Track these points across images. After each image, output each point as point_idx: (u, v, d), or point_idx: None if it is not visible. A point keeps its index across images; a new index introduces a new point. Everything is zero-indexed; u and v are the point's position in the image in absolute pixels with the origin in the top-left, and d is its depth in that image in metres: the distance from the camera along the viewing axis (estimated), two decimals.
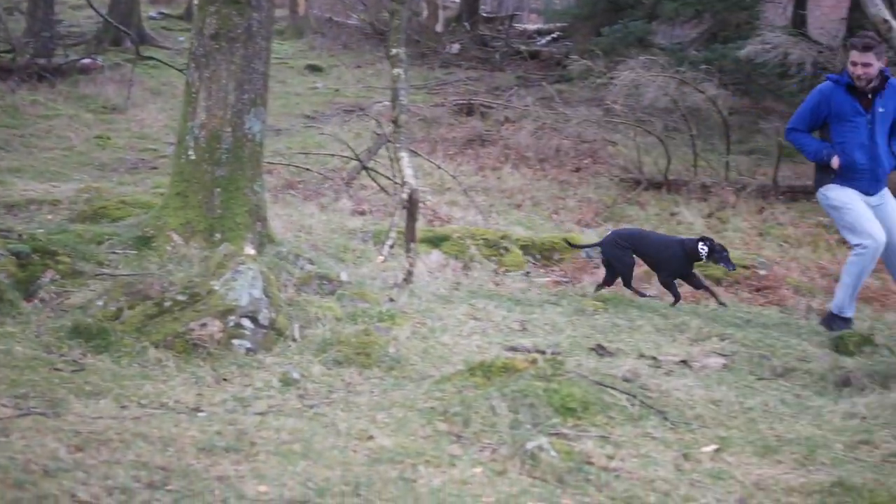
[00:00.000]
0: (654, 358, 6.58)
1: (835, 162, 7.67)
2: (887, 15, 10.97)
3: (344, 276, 7.52)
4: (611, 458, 4.91)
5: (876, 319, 8.72)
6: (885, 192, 7.82)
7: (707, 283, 8.89)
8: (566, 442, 4.96)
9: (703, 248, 8.37)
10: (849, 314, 8.00)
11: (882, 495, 4.74)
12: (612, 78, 14.71)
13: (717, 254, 8.39)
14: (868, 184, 7.73)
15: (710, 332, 7.35)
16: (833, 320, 7.97)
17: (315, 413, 5.17)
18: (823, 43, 15.14)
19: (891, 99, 7.63)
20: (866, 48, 7.49)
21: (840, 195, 7.75)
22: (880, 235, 7.62)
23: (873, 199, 7.76)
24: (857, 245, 7.70)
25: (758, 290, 9.29)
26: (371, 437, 4.82)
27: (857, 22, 15.13)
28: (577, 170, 14.04)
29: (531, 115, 15.62)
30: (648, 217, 12.08)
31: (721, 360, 6.66)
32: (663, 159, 13.71)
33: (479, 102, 16.90)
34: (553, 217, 11.75)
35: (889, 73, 7.65)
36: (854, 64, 7.51)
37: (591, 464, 4.81)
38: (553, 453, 4.73)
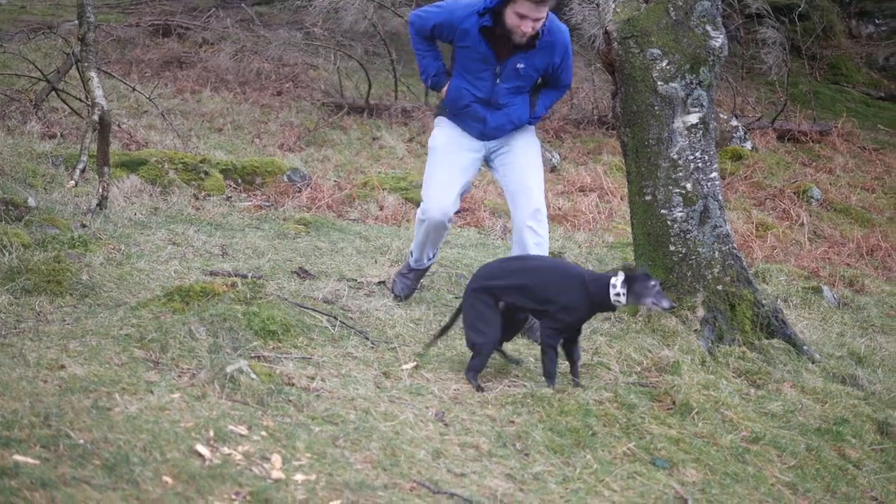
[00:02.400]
0: (355, 280, 6.64)
1: (443, 92, 6.23)
2: None
3: (31, 202, 7.15)
4: (312, 378, 4.93)
5: (567, 238, 9.13)
6: (515, 136, 6.25)
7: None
8: (267, 364, 4.94)
9: (616, 290, 5.21)
10: (427, 263, 6.60)
11: (570, 403, 5.01)
12: (310, 1, 14.55)
13: (642, 289, 5.22)
14: (479, 130, 6.19)
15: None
16: (406, 274, 6.61)
17: (2, 344, 4.91)
18: None
19: (539, 58, 6.00)
20: (543, 1, 5.71)
21: (441, 134, 6.32)
22: (448, 207, 6.14)
23: (492, 145, 6.26)
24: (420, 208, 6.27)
25: (455, 212, 9.49)
26: (63, 367, 4.63)
27: None
28: (279, 94, 13.88)
29: (231, 37, 15.27)
30: (351, 141, 12.11)
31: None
32: (364, 84, 13.76)
33: (176, 23, 16.35)
34: (255, 141, 11.57)
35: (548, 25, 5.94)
36: (522, 18, 5.74)
37: (292, 385, 4.82)
38: (253, 376, 4.70)
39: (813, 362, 6.22)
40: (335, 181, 9.75)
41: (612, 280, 5.20)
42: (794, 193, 11.45)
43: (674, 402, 5.34)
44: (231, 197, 8.84)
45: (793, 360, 6.12)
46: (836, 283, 8.43)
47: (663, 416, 5.19)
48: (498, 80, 6.04)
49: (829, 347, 6.65)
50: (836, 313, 7.61)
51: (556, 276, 5.36)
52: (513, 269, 5.45)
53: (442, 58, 6.23)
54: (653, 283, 5.20)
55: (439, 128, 6.34)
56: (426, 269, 6.66)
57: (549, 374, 5.32)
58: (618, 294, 5.19)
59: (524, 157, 6.26)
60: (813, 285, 8.01)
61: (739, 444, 5.08)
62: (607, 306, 5.29)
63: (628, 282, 5.18)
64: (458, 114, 6.23)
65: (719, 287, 6.20)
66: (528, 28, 5.80)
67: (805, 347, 6.32)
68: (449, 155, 6.23)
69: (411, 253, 6.53)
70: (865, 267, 9.26)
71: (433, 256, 6.60)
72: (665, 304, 5.22)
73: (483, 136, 6.23)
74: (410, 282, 6.59)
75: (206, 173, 8.91)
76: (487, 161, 6.38)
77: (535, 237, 6.12)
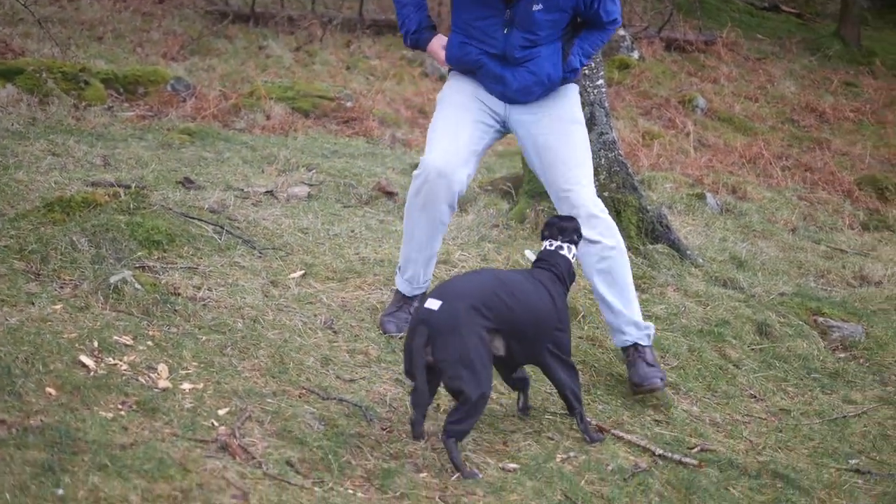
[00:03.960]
0: (241, 190, 6.55)
1: (438, 53, 4.93)
2: None
3: None
4: (198, 288, 4.88)
5: None
6: (549, 100, 4.85)
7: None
8: (152, 275, 4.87)
9: (573, 255, 4.51)
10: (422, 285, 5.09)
11: None
12: None
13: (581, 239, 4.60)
14: (500, 92, 4.83)
15: (298, 162, 7.40)
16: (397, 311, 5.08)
17: None
18: None
19: None
20: None
21: (451, 85, 4.99)
22: (453, 162, 4.73)
23: (517, 110, 4.86)
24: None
25: (345, 121, 9.42)
26: None
27: None
28: (160, 1, 13.51)
29: None
30: (236, 51, 11.87)
31: (307, 190, 6.73)
32: None
33: None
34: (137, 50, 11.26)
35: None
36: None
37: (177, 295, 4.76)
38: (138, 286, 4.63)
39: (696, 267, 6.35)
40: (220, 91, 9.56)
41: (558, 249, 4.45)
42: (680, 103, 11.59)
43: None
44: (113, 107, 8.62)
45: (676, 265, 6.24)
46: (719, 191, 8.59)
47: None
48: (507, 29, 4.67)
49: (712, 252, 6.80)
50: (718, 219, 7.77)
51: (528, 289, 4.23)
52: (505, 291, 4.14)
53: (427, 8, 4.94)
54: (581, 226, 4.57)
55: (451, 79, 4.96)
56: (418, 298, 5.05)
57: (583, 420, 4.37)
58: (574, 256, 4.50)
59: (562, 133, 4.81)
60: (697, 192, 8.15)
61: None
62: (573, 279, 4.50)
63: (568, 236, 4.49)
64: (469, 74, 4.88)
65: (605, 193, 6.26)
66: None
67: (688, 252, 6.45)
68: (458, 108, 4.85)
69: (399, 269, 5.06)
70: (748, 174, 9.44)
71: (426, 280, 5.06)
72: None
73: (506, 98, 4.84)
74: (406, 315, 4.98)
75: (87, 83, 8.66)
76: (513, 130, 4.94)
77: (596, 249, 4.71)
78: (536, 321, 4.17)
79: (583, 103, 6.09)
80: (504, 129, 4.94)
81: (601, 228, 4.71)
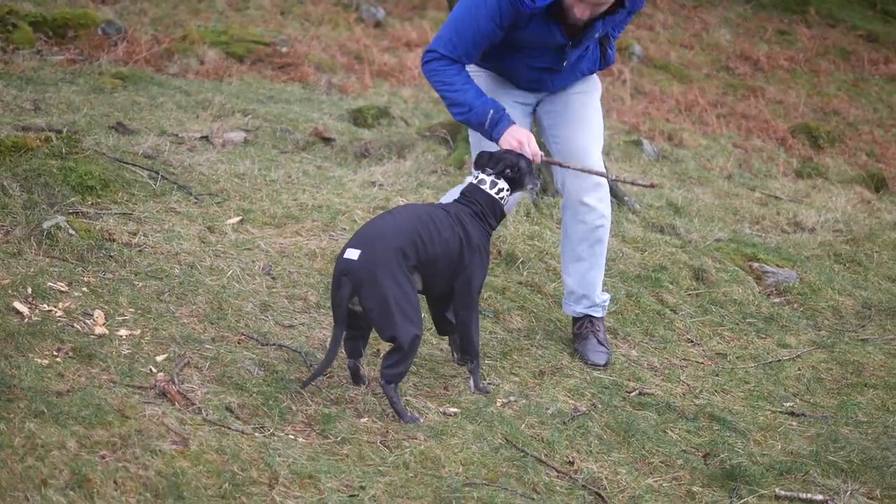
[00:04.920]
0: (176, 135, 6.44)
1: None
2: None
3: None
4: (134, 234, 4.81)
5: (393, 94, 9.06)
6: (573, 88, 4.76)
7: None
8: (86, 220, 4.79)
9: (500, 190, 4.26)
10: None
11: None
12: None
13: (519, 174, 4.30)
14: (535, 88, 4.73)
15: (234, 108, 7.29)
16: None
17: None
18: None
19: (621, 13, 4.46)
20: None
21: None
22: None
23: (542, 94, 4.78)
24: None
25: (280, 67, 9.30)
26: None
27: None
28: None
29: None
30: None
31: (243, 135, 6.65)
32: None
33: None
34: None
35: None
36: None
37: (112, 241, 4.69)
38: (72, 232, 4.55)
39: (633, 213, 6.38)
40: (152, 35, 9.37)
41: (480, 184, 4.24)
42: (617, 50, 11.58)
43: (499, 253, 5.41)
44: (42, 51, 8.42)
45: (614, 211, 6.23)
46: (655, 138, 8.63)
47: (489, 266, 5.26)
48: (566, 59, 4.52)
49: (649, 199, 6.82)
50: (655, 166, 7.81)
51: (444, 224, 4.09)
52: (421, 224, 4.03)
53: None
54: (519, 160, 4.29)
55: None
56: None
57: (476, 352, 4.27)
58: (501, 192, 4.26)
59: (579, 107, 4.74)
60: (633, 139, 8.18)
61: (563, 291, 5.20)
62: (501, 217, 4.32)
63: (499, 169, 4.26)
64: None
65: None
66: (583, 13, 4.26)
67: (626, 199, 6.47)
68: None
69: None
70: (684, 122, 9.49)
71: None
72: (537, 182, 4.49)
73: (532, 90, 4.74)
74: None
75: (14, 25, 8.44)
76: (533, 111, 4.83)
77: (594, 217, 4.69)
78: (448, 256, 4.05)
79: None
80: (532, 112, 4.80)
81: (601, 194, 4.65)
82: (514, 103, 4.66)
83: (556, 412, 4.15)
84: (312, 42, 10.31)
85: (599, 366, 4.71)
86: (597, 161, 4.64)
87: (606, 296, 4.89)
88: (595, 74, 4.83)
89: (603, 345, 4.78)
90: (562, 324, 4.96)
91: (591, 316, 4.81)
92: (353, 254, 3.83)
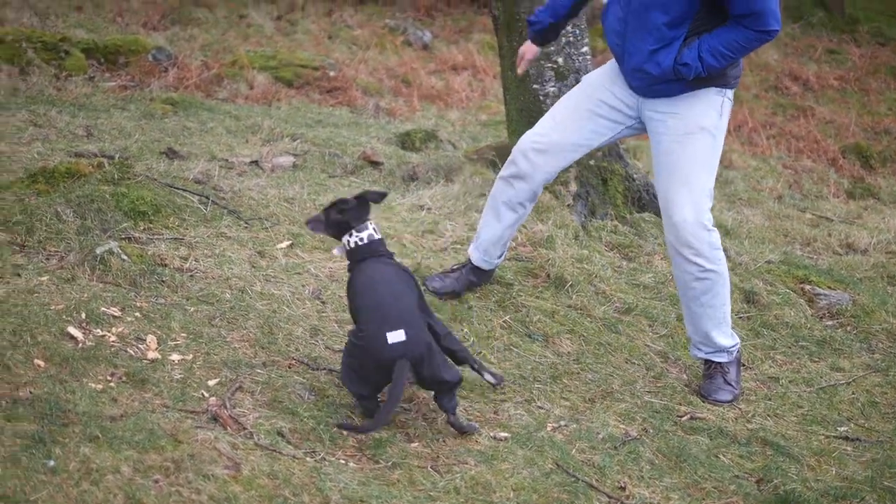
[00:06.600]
0: (226, 160, 6.50)
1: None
2: None
3: None
4: (185, 259, 4.85)
5: (440, 117, 9.09)
6: (681, 99, 4.40)
7: None
8: (138, 246, 4.83)
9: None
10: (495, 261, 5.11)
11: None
12: None
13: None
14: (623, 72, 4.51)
15: (282, 132, 7.35)
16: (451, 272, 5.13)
17: None
18: None
19: None
20: None
21: (601, 67, 4.76)
22: (527, 141, 4.73)
23: (647, 104, 4.49)
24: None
25: (328, 91, 9.36)
26: None
27: None
28: None
29: None
30: (217, 20, 11.76)
31: (292, 160, 6.69)
32: None
33: None
34: (117, 20, 11.15)
35: None
36: None
37: (164, 266, 4.73)
38: (124, 257, 4.60)
39: None
40: (202, 60, 9.48)
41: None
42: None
43: (548, 276, 5.40)
44: (94, 77, 8.53)
45: (663, 234, 6.22)
46: None
47: (538, 289, 5.26)
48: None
49: None
50: None
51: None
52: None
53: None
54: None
55: (609, 63, 4.67)
56: (487, 273, 5.09)
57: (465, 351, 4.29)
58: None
59: (682, 140, 4.40)
60: None
61: (612, 315, 5.19)
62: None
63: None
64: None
65: (591, 162, 6.25)
66: None
67: None
68: (582, 95, 4.66)
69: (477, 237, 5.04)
70: (733, 143, 9.44)
71: (500, 255, 5.05)
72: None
73: (633, 87, 4.49)
74: (452, 280, 5.03)
75: (67, 52, 8.57)
76: (646, 127, 4.58)
77: (695, 269, 4.51)
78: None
79: (567, 71, 6.11)
80: (641, 125, 4.58)
81: (699, 248, 4.45)
82: (608, 101, 4.56)
83: (606, 437, 4.13)
84: (360, 66, 10.37)
85: (723, 402, 4.64)
86: (691, 210, 4.41)
87: (734, 340, 4.73)
88: (713, 97, 4.40)
89: (730, 384, 4.69)
90: (611, 348, 4.93)
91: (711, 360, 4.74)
92: (398, 336, 3.80)
